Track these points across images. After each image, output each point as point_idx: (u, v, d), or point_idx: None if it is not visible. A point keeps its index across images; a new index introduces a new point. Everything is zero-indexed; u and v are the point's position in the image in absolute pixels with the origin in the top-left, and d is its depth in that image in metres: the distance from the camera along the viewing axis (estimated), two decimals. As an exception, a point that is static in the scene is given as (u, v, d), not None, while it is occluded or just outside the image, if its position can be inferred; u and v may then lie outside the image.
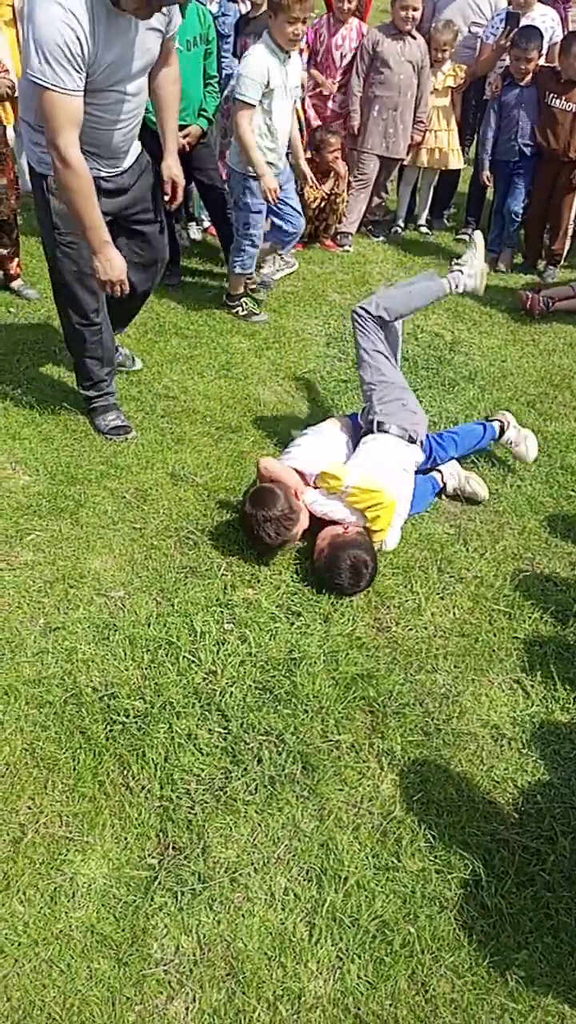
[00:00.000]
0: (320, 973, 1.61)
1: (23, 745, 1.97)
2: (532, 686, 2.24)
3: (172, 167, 2.95)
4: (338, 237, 5.52)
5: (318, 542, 2.54)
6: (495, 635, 2.40)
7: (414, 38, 5.14)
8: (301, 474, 2.71)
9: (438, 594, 2.53)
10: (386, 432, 2.78)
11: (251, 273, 4.24)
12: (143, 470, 2.98)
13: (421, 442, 2.85)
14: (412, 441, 2.80)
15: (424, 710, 2.14)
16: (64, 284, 2.87)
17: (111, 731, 2.01)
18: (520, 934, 1.68)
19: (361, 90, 5.25)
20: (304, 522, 2.57)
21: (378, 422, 2.81)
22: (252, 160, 3.66)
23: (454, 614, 2.46)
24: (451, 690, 2.21)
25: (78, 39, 2.20)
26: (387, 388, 2.90)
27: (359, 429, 2.95)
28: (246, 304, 4.29)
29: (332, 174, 5.19)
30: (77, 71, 2.25)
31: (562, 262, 5.43)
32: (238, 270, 4.11)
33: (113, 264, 2.63)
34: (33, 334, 3.93)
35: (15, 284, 4.35)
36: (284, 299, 4.56)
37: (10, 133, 4.29)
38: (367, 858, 1.80)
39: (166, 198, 2.99)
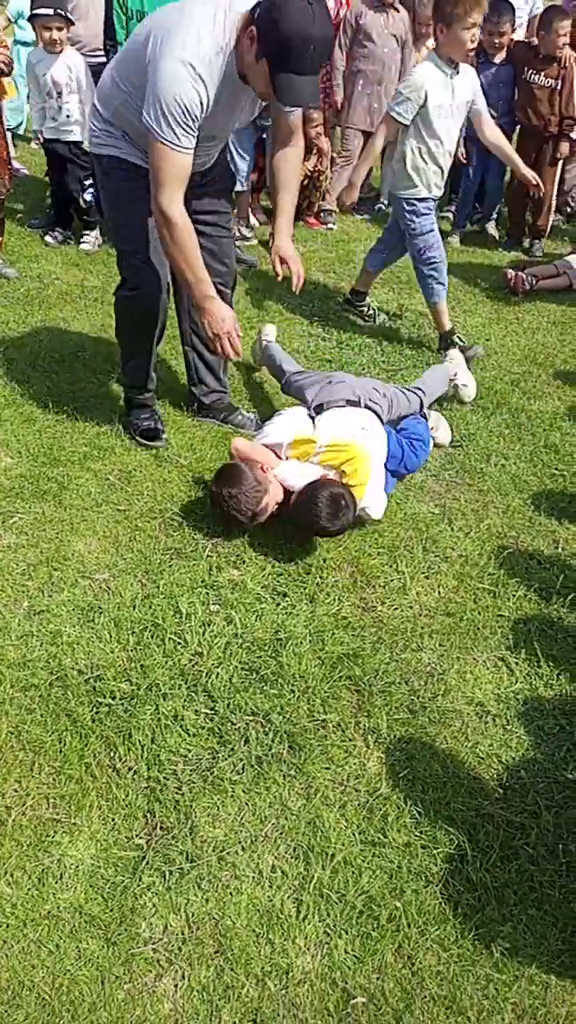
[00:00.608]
0: (308, 949, 1.62)
1: (8, 728, 1.96)
2: (516, 663, 2.26)
3: (283, 247, 2.69)
4: (321, 215, 5.48)
5: (295, 496, 2.52)
6: (480, 613, 2.41)
7: (397, 11, 5.07)
8: (273, 449, 2.69)
9: (423, 573, 2.53)
10: (327, 409, 2.81)
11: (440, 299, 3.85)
12: (127, 451, 2.96)
13: (367, 405, 2.86)
14: (356, 404, 2.84)
15: (410, 688, 2.15)
16: (124, 251, 2.74)
17: (97, 713, 2.01)
18: (505, 907, 1.71)
19: (344, 64, 5.18)
20: (274, 493, 2.54)
21: (316, 405, 2.84)
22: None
23: (439, 593, 2.47)
24: (436, 668, 2.22)
25: (200, 103, 2.18)
26: (308, 378, 3.01)
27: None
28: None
29: (315, 150, 5.12)
30: (192, 131, 2.24)
31: (545, 237, 5.43)
32: (435, 299, 3.80)
33: (217, 316, 2.50)
34: (13, 313, 3.88)
35: None
36: (267, 278, 4.52)
37: (3, 109, 4.28)
38: (353, 835, 1.81)
39: (279, 277, 2.74)
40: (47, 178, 4.98)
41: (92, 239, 4.81)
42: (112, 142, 2.51)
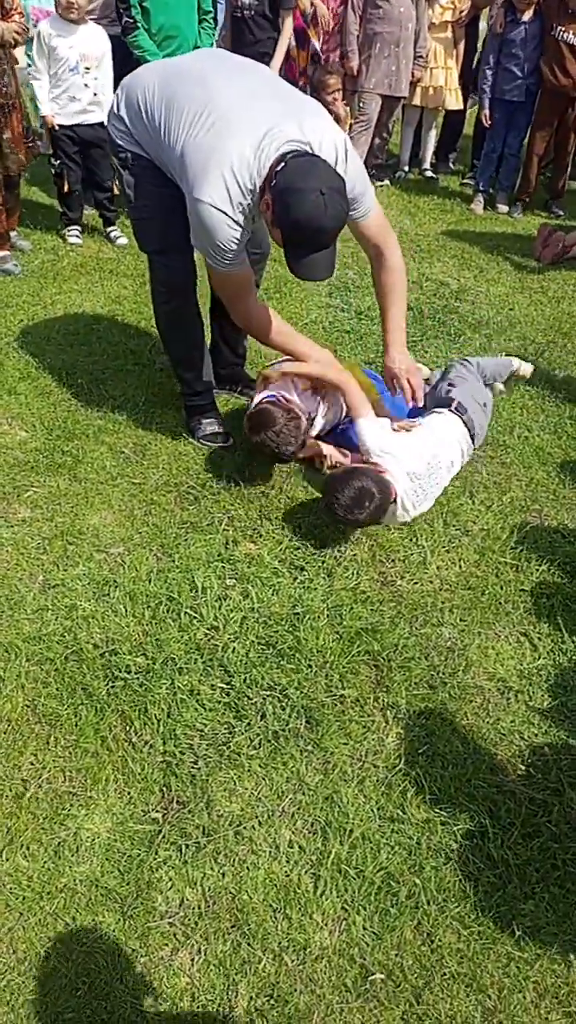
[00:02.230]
0: (325, 924, 1.60)
1: (24, 702, 1.95)
2: (539, 639, 2.20)
3: (399, 360, 2.57)
4: None
5: (327, 481, 2.44)
6: (502, 588, 2.36)
7: None
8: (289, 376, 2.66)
9: (444, 547, 2.48)
10: (454, 413, 2.69)
11: None
12: (142, 424, 2.92)
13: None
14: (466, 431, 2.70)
15: (429, 664, 2.11)
16: (151, 253, 2.62)
17: (113, 687, 1.99)
18: (526, 884, 1.67)
19: (358, 27, 5.03)
20: (303, 414, 2.55)
21: (459, 404, 2.71)
22: None
23: (460, 567, 2.42)
24: (457, 643, 2.17)
25: (240, 238, 2.20)
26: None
27: (375, 379, 2.88)
28: None
29: (332, 117, 5.01)
30: (243, 251, 2.28)
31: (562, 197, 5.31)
32: None
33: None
34: (28, 286, 3.84)
35: (11, 235, 4.23)
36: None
37: (21, 75, 4.03)
38: (372, 810, 1.78)
39: (399, 395, 2.64)
40: (53, 165, 4.37)
41: (78, 231, 4.47)
42: (132, 140, 2.37)
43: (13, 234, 4.22)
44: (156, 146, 2.28)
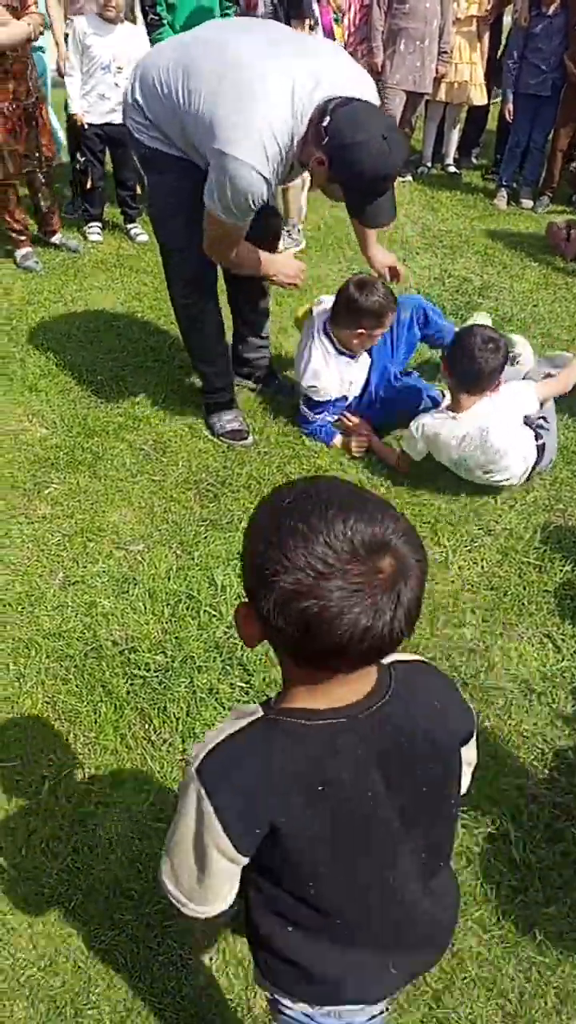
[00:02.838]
0: (345, 926, 1.59)
1: (44, 698, 1.96)
2: (563, 640, 2.17)
3: (380, 252, 2.86)
4: None
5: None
6: (525, 588, 2.33)
7: None
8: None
9: (466, 547, 2.45)
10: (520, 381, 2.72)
11: None
12: (162, 422, 2.92)
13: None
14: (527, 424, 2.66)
15: (451, 664, 2.09)
16: (173, 250, 2.59)
17: (132, 685, 1.99)
18: (549, 889, 1.65)
19: (383, 23, 5.00)
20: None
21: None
22: None
23: (482, 567, 2.39)
24: (479, 644, 2.15)
25: (264, 195, 2.14)
26: None
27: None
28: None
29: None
30: (250, 216, 2.22)
31: None
32: None
33: (283, 267, 2.55)
34: (49, 283, 3.86)
35: (55, 239, 4.25)
36: (306, 244, 4.41)
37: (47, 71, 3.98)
38: (392, 812, 1.77)
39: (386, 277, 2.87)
40: (75, 162, 4.39)
41: (99, 227, 4.48)
42: (151, 132, 2.33)
43: (58, 236, 4.24)
44: (176, 122, 2.21)
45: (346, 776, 0.85)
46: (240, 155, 2.02)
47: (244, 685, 2.00)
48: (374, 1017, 1.01)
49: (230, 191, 2.09)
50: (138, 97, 2.29)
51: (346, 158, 1.95)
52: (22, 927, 1.57)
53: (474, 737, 1.00)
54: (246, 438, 2.83)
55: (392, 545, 0.76)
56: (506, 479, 2.58)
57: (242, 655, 2.06)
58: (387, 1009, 1.13)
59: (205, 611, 2.17)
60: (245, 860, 0.88)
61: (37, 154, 3.82)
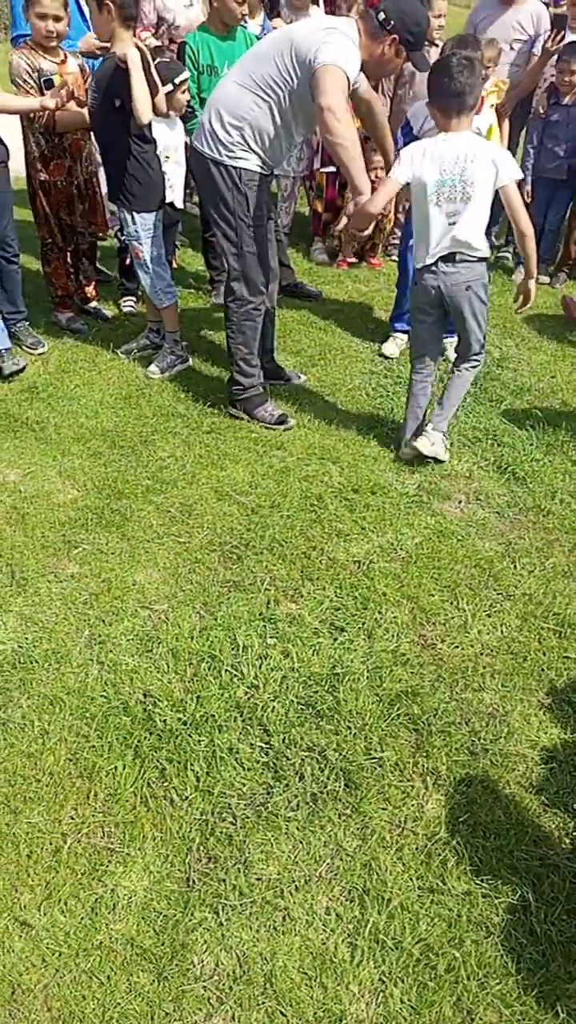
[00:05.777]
0: (362, 996, 1.56)
1: (66, 755, 1.98)
2: (583, 707, 2.17)
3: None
4: (388, 248, 5.53)
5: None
6: (544, 654, 2.33)
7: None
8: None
9: (485, 611, 2.47)
10: None
11: None
12: (188, 485, 3.01)
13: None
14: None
15: (470, 729, 2.09)
16: (243, 267, 3.22)
17: (152, 743, 2.01)
18: (571, 963, 1.61)
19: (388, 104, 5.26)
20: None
21: None
22: None
23: (502, 632, 2.41)
24: (498, 709, 2.15)
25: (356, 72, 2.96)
26: None
27: None
28: None
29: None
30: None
31: None
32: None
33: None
34: (85, 353, 4.03)
35: (91, 306, 4.48)
36: (330, 317, 4.58)
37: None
38: (411, 879, 1.75)
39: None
40: (119, 240, 4.44)
41: (133, 301, 4.66)
42: (245, 155, 3.02)
43: (94, 304, 4.48)
44: (266, 107, 2.95)
45: None
46: (344, 31, 2.87)
47: (264, 746, 2.01)
48: None
49: (345, 49, 2.81)
50: (224, 115, 3.00)
51: (403, 19, 2.83)
52: (37, 988, 1.56)
53: None
54: (288, 421, 3.43)
55: None
56: (466, 240, 2.93)
57: (262, 715, 2.08)
58: None
59: (227, 671, 2.20)
60: None
61: (88, 228, 4.10)
